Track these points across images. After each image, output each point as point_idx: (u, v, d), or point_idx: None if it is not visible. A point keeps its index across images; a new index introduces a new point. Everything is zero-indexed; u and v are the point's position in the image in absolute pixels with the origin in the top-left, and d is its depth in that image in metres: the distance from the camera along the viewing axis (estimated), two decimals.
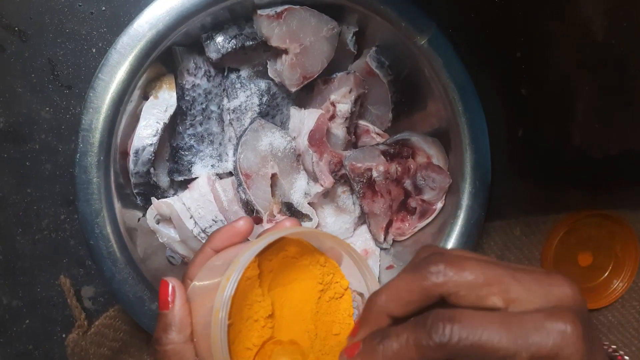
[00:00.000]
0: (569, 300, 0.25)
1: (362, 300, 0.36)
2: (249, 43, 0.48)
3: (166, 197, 0.50)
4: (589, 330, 0.25)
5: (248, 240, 0.39)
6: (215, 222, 0.48)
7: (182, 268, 0.52)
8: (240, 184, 0.50)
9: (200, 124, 0.50)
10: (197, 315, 0.34)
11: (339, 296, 0.35)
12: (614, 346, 0.31)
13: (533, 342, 0.24)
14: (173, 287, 0.35)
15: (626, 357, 0.33)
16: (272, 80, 0.51)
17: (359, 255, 0.34)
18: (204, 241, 0.48)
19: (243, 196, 0.50)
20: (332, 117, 0.51)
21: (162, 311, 0.34)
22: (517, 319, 0.24)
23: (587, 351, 0.24)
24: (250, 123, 0.51)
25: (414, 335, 0.25)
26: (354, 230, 0.56)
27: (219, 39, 0.48)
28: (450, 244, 0.50)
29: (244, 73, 0.51)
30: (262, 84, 0.51)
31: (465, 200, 0.51)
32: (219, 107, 0.51)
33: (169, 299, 0.34)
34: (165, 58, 0.48)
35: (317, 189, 0.51)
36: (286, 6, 0.47)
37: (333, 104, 0.51)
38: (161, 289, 0.35)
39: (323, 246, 0.36)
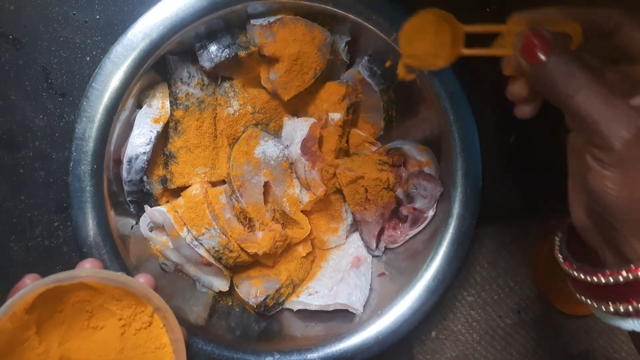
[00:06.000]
0: None
1: None
2: (242, 52, 0.48)
3: (159, 205, 0.51)
4: None
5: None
6: (208, 230, 0.48)
7: (175, 275, 0.52)
8: (233, 192, 0.50)
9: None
10: None
11: (147, 325, 0.34)
12: None
13: None
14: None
15: None
16: (265, 89, 0.51)
17: (140, 284, 0.33)
18: (196, 249, 0.48)
19: (236, 204, 0.50)
20: (325, 126, 0.51)
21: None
22: None
23: None
24: (243, 131, 0.51)
25: None
26: (346, 237, 0.56)
27: (213, 48, 0.48)
28: (442, 251, 0.51)
29: (237, 82, 0.51)
30: (256, 93, 0.51)
31: (456, 208, 0.51)
32: (212, 116, 0.51)
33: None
34: (158, 67, 0.48)
35: (310, 197, 0.51)
36: (279, 16, 0.48)
37: (326, 113, 0.52)
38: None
39: (113, 278, 0.33)
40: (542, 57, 0.29)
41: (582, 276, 0.32)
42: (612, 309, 0.30)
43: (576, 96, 0.28)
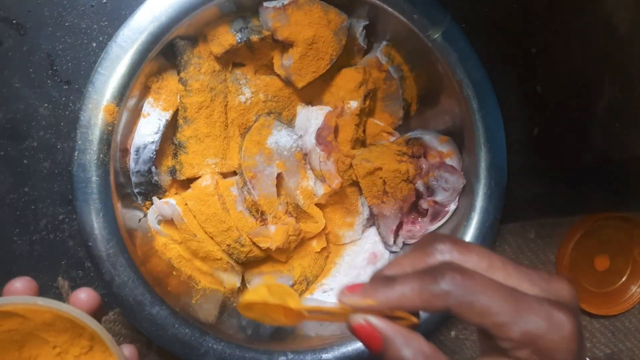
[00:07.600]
0: (568, 297, 0.26)
1: None
2: (254, 37, 0.46)
3: (168, 196, 0.49)
4: (582, 334, 0.26)
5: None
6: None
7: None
8: (244, 184, 0.49)
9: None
10: None
11: (87, 349, 0.31)
12: None
13: (529, 321, 0.24)
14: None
15: None
16: (278, 75, 0.49)
17: (74, 310, 0.30)
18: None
19: (247, 196, 0.49)
20: (341, 115, 0.50)
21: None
22: (522, 296, 0.25)
23: (578, 351, 0.25)
24: (255, 120, 0.49)
25: (421, 281, 0.26)
26: (363, 232, 0.54)
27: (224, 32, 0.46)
28: None
29: (249, 68, 0.49)
30: (268, 80, 0.49)
31: (479, 202, 0.49)
32: (223, 104, 0.49)
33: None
34: (167, 52, 0.47)
35: (325, 189, 0.49)
36: None
37: (342, 101, 0.50)
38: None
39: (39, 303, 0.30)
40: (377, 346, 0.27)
41: None
42: None
43: None
